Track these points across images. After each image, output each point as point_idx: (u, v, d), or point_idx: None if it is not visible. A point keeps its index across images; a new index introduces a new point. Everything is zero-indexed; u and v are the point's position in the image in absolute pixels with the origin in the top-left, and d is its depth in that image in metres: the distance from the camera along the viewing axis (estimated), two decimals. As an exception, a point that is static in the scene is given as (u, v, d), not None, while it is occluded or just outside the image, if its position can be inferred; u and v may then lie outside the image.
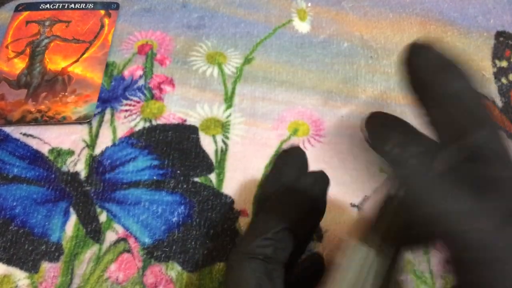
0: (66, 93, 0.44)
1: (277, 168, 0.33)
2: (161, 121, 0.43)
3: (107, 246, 0.37)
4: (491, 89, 0.46)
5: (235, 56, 0.47)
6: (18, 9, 0.50)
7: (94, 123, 0.43)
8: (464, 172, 0.19)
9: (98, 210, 0.38)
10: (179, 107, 0.44)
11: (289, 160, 0.33)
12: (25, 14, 0.50)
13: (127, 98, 0.44)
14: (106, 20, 0.50)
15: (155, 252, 0.36)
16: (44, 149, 0.41)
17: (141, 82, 0.45)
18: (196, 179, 0.40)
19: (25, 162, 0.40)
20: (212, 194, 0.39)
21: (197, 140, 0.42)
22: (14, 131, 0.42)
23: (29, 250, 0.36)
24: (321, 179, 0.30)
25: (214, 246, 0.37)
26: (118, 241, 0.37)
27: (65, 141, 0.42)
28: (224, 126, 0.42)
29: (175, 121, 0.43)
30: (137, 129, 0.42)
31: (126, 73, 0.46)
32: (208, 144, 0.41)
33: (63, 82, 0.45)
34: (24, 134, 0.42)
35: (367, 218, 0.24)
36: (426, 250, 0.37)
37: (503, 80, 0.47)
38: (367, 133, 0.22)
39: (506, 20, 0.51)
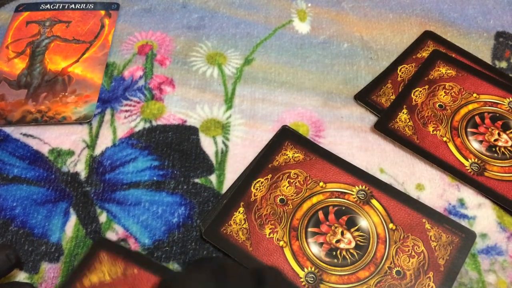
0: (66, 93, 0.44)
1: None
2: (161, 121, 0.43)
3: (107, 247, 0.37)
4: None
5: (235, 57, 0.47)
6: (19, 9, 0.50)
7: (94, 123, 0.43)
8: None
9: (98, 210, 0.38)
10: (179, 107, 0.44)
11: None
12: (26, 14, 0.50)
13: (127, 99, 0.44)
14: (106, 21, 0.50)
15: (155, 253, 0.36)
16: (44, 150, 0.41)
17: (141, 83, 0.45)
18: (197, 180, 0.40)
19: (25, 163, 0.40)
20: (212, 195, 0.39)
21: (197, 141, 0.42)
22: (14, 132, 0.42)
23: (29, 250, 0.36)
24: None
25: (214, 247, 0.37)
26: (118, 241, 0.37)
27: (65, 141, 0.42)
28: (224, 128, 0.42)
29: (175, 122, 0.43)
30: (137, 129, 0.42)
31: (126, 73, 0.46)
32: (208, 145, 0.42)
33: (63, 83, 0.45)
34: (24, 135, 0.42)
35: None
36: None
37: (503, 81, 0.47)
38: None
39: (506, 21, 0.51)
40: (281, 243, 0.36)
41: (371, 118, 0.43)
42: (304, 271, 0.35)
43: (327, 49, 0.48)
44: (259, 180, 0.38)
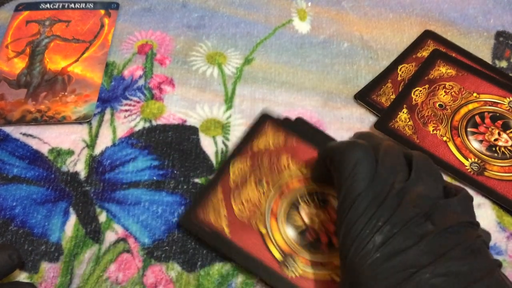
0: (66, 93, 0.44)
1: None
2: (161, 121, 0.43)
3: (107, 246, 0.37)
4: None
5: (235, 56, 0.47)
6: (18, 8, 0.50)
7: (94, 123, 0.43)
8: None
9: (98, 210, 0.38)
10: (179, 107, 0.44)
11: None
12: (25, 13, 0.50)
13: (127, 98, 0.44)
14: (106, 20, 0.49)
15: (155, 252, 0.36)
16: (44, 149, 0.41)
17: (141, 82, 0.45)
18: (197, 180, 0.40)
19: (25, 162, 0.40)
20: (212, 195, 0.39)
21: (197, 141, 0.42)
22: (14, 131, 0.42)
23: (28, 250, 0.36)
24: None
25: (213, 246, 0.37)
26: (117, 241, 0.37)
27: (65, 141, 0.42)
28: (224, 127, 0.42)
29: (175, 122, 0.43)
30: (137, 129, 0.42)
31: (126, 73, 0.46)
32: (208, 145, 0.41)
33: (63, 82, 0.45)
34: (24, 134, 0.42)
35: None
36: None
37: (503, 81, 0.47)
38: None
39: (506, 20, 0.51)
40: None
41: (371, 119, 0.43)
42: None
43: (327, 49, 0.48)
44: (418, 89, 0.43)
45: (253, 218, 0.36)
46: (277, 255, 0.35)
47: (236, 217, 0.36)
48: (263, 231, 0.35)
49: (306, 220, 0.36)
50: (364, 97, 0.44)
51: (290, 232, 0.36)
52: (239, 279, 0.35)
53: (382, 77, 0.46)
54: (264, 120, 0.41)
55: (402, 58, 0.47)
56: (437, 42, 0.48)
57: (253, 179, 0.38)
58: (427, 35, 0.49)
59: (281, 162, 0.39)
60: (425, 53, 0.47)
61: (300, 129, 0.40)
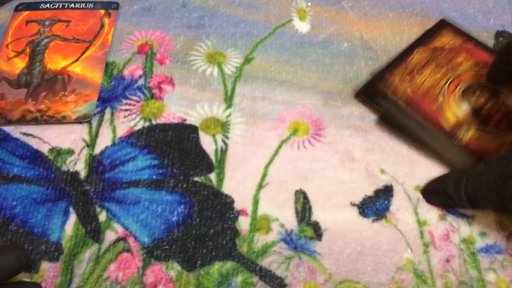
0: (66, 93, 0.44)
1: None
2: (161, 120, 0.43)
3: (107, 246, 0.37)
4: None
5: (235, 56, 0.47)
6: (18, 8, 0.50)
7: (94, 122, 0.43)
8: None
9: (98, 209, 0.38)
10: (179, 106, 0.44)
11: None
12: (25, 13, 0.50)
13: (127, 98, 0.44)
14: (106, 20, 0.50)
15: (155, 252, 0.36)
16: (44, 149, 0.41)
17: (141, 82, 0.45)
18: (196, 179, 0.40)
19: (25, 162, 0.40)
20: (212, 194, 0.39)
21: (197, 140, 0.42)
22: (14, 131, 0.42)
23: (29, 249, 0.36)
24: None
25: (214, 245, 0.37)
26: (117, 240, 0.37)
27: (65, 140, 0.42)
28: (224, 126, 0.42)
29: (175, 121, 0.43)
30: (137, 128, 0.42)
31: (126, 72, 0.46)
32: (208, 143, 0.42)
33: (63, 82, 0.45)
34: (24, 134, 0.42)
35: None
36: (426, 249, 0.37)
37: (503, 80, 0.47)
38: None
39: (506, 20, 0.51)
40: None
41: (371, 117, 0.43)
42: None
43: (327, 48, 0.48)
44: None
45: (430, 91, 0.42)
46: (449, 120, 0.41)
47: (415, 89, 0.42)
48: (439, 100, 0.42)
49: (481, 100, 0.42)
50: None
51: (464, 107, 0.41)
52: (239, 278, 0.35)
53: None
54: (443, 25, 0.48)
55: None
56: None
57: (432, 65, 0.44)
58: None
59: (458, 59, 0.45)
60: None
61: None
